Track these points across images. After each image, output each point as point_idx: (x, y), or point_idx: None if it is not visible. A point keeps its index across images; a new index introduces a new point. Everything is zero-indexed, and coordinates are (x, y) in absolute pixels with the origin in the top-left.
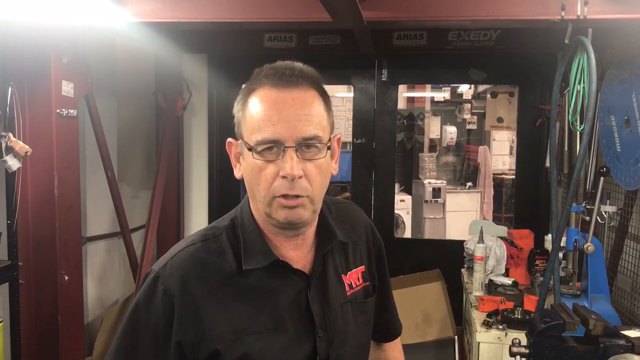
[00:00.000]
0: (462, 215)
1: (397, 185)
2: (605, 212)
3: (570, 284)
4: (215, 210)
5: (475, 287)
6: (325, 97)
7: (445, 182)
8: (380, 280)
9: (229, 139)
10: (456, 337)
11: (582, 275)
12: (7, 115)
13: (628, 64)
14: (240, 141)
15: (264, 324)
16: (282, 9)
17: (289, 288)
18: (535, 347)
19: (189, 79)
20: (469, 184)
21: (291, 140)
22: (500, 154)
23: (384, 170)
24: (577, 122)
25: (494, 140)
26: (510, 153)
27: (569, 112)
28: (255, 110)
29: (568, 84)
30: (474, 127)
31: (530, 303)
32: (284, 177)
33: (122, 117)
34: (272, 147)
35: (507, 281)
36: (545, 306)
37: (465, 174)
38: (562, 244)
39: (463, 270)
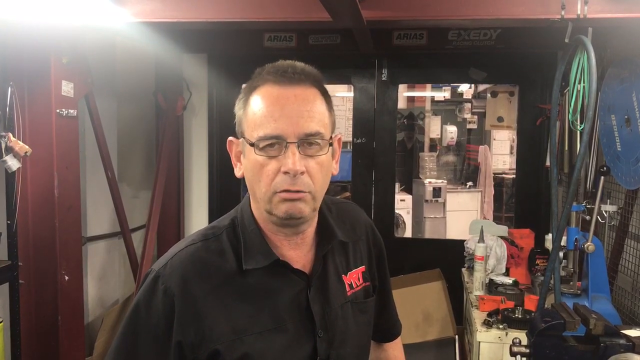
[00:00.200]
0: (462, 215)
1: (397, 185)
2: (606, 211)
3: (571, 283)
4: (215, 210)
5: (475, 287)
6: (327, 97)
7: (445, 181)
8: (380, 280)
9: (230, 138)
10: (457, 336)
11: (583, 275)
12: (6, 115)
13: (628, 63)
14: (241, 139)
15: (264, 324)
16: (282, 9)
17: (289, 288)
18: (536, 346)
19: (189, 78)
20: (470, 183)
21: (293, 136)
22: (501, 154)
23: (384, 170)
24: (577, 122)
25: (494, 139)
26: (511, 152)
27: (569, 111)
28: (257, 107)
29: (568, 83)
30: (474, 126)
31: (530, 302)
32: (285, 172)
33: (122, 117)
34: (274, 144)
35: (508, 281)
36: (546, 306)
37: (466, 173)
38: (563, 243)
39: (463, 269)
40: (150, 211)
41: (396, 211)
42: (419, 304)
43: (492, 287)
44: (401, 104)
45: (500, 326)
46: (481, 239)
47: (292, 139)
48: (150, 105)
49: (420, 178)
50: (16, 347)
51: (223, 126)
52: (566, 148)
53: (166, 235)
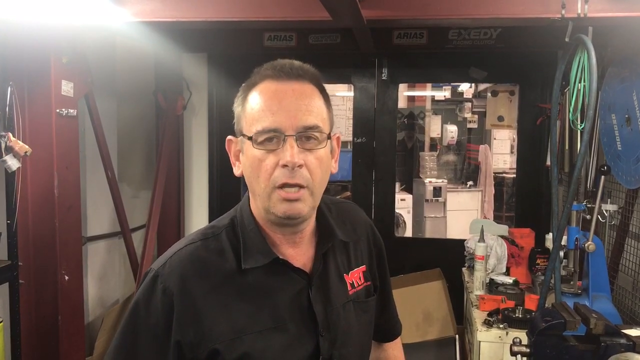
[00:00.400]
0: (462, 214)
1: (397, 184)
2: (606, 210)
3: (571, 282)
4: (215, 209)
5: (476, 286)
6: (325, 94)
7: (446, 181)
8: (380, 280)
9: (229, 137)
10: (457, 336)
11: (583, 274)
12: (6, 115)
13: (629, 62)
14: (240, 137)
15: (264, 323)
16: (282, 8)
17: (289, 287)
18: (536, 346)
19: (188, 78)
20: (470, 182)
21: (291, 129)
22: (501, 153)
23: (384, 169)
24: (577, 121)
25: (495, 139)
26: (511, 152)
27: (569, 110)
28: (255, 102)
29: (568, 83)
30: (475, 125)
31: (531, 302)
32: (284, 165)
33: (122, 116)
34: (272, 138)
35: (508, 280)
36: (546, 305)
37: (466, 172)
38: (563, 242)
39: (464, 269)
40: (150, 211)
41: (396, 211)
42: (419, 304)
43: (492, 286)
44: (401, 104)
45: (501, 326)
46: (481, 239)
47: (290, 132)
48: (150, 104)
49: (421, 177)
50: (16, 347)
51: (223, 126)
52: (567, 147)
53: (166, 235)
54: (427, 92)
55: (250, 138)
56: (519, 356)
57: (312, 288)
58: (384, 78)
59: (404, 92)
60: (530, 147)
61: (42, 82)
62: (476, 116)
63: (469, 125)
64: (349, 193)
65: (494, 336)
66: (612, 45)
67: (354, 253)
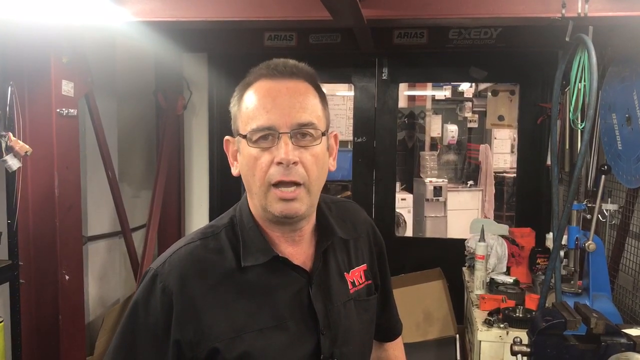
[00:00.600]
0: (463, 214)
1: (398, 184)
2: (607, 210)
3: (572, 282)
4: (216, 209)
5: (476, 286)
6: (320, 92)
7: (446, 180)
8: (381, 279)
9: (227, 137)
10: (457, 335)
11: (584, 274)
12: (7, 114)
13: (629, 61)
14: (237, 137)
15: (264, 321)
16: (282, 8)
17: (289, 285)
18: (537, 345)
19: (189, 78)
20: (470, 182)
21: (285, 126)
22: (502, 152)
23: (384, 169)
24: (578, 120)
25: (495, 138)
26: (512, 151)
27: (570, 110)
28: (250, 101)
29: (569, 82)
30: (475, 125)
31: (531, 301)
32: (279, 163)
33: (123, 116)
34: (267, 136)
35: (509, 280)
36: (547, 305)
37: (467, 172)
38: (564, 242)
39: (464, 268)
40: (150, 210)
41: (397, 210)
42: (419, 303)
43: (492, 286)
44: (402, 103)
45: (501, 325)
46: (482, 238)
47: (284, 129)
48: (151, 104)
49: (421, 177)
50: (17, 346)
51: (223, 125)
52: (567, 147)
53: (167, 234)
54: (428, 91)
55: (245, 137)
56: (519, 356)
57: (312, 286)
58: (384, 78)
59: (404, 92)
60: (530, 146)
61: (42, 82)
62: (476, 116)
63: (470, 125)
64: (349, 193)
65: (495, 336)
66: (613, 44)
67: (354, 252)
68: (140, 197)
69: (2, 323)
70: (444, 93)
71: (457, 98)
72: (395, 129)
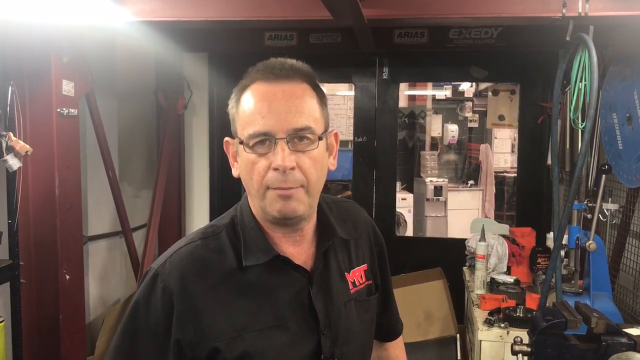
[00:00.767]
0: (463, 214)
1: (398, 184)
2: (607, 209)
3: (572, 282)
4: (216, 209)
5: (477, 286)
6: (318, 92)
7: (446, 180)
8: (381, 279)
9: (226, 138)
10: (458, 335)
11: (584, 273)
12: (7, 114)
13: (630, 61)
14: (236, 139)
15: (264, 321)
16: (283, 7)
17: (290, 285)
18: (537, 345)
19: (189, 77)
20: (471, 182)
21: (282, 132)
22: (502, 152)
23: (385, 169)
24: (578, 120)
25: (496, 138)
26: (512, 151)
27: (570, 109)
28: (247, 105)
29: (569, 82)
30: (476, 125)
31: (532, 301)
32: (275, 169)
33: (123, 116)
34: (264, 141)
35: (509, 279)
36: (547, 304)
37: (467, 172)
38: (564, 241)
39: (465, 268)
40: (151, 210)
41: (397, 210)
42: (420, 303)
43: (493, 285)
44: (402, 103)
45: (502, 325)
46: (482, 238)
47: (280, 134)
48: (151, 104)
49: (422, 177)
50: (17, 346)
51: (224, 125)
52: (567, 146)
53: (167, 234)
54: (428, 91)
55: (242, 142)
56: (520, 355)
57: (313, 286)
58: (384, 77)
59: (404, 92)
60: (531, 146)
61: (42, 82)
62: (477, 115)
63: (470, 125)
64: (349, 192)
65: (495, 335)
66: (613, 44)
67: (355, 252)
68: (140, 197)
69: (2, 323)
70: (445, 93)
71: (458, 98)
72: (396, 128)
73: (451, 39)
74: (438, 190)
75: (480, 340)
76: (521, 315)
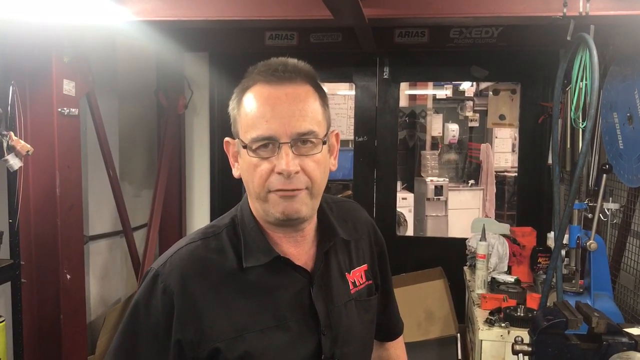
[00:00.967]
0: (464, 213)
1: (399, 183)
2: (608, 209)
3: (573, 281)
4: (217, 208)
5: (477, 285)
6: (320, 92)
7: (447, 179)
8: (382, 279)
9: (227, 139)
10: (459, 335)
11: (585, 273)
12: (8, 114)
13: (631, 60)
14: (237, 140)
15: (265, 321)
16: (283, 7)
17: (290, 285)
18: (538, 344)
19: (190, 77)
20: (471, 181)
21: (285, 136)
22: (503, 152)
23: (385, 168)
24: (579, 119)
25: (496, 137)
26: (513, 150)
27: (571, 109)
28: (249, 107)
29: (570, 81)
30: (476, 124)
31: (532, 301)
32: (279, 173)
33: (124, 115)
34: (267, 144)
35: (510, 279)
36: (548, 304)
37: (468, 171)
38: (565, 241)
39: (465, 268)
40: (152, 210)
41: (398, 209)
42: (421, 303)
43: (494, 285)
44: (403, 102)
45: (502, 324)
46: (483, 237)
47: (284, 139)
48: (152, 104)
49: (422, 176)
50: (18, 345)
51: (224, 125)
52: (568, 146)
53: (168, 234)
54: (429, 90)
55: (245, 146)
56: (520, 355)
57: (313, 286)
58: (385, 77)
59: (405, 91)
60: (531, 145)
61: (43, 82)
62: (477, 115)
63: (471, 124)
64: (350, 192)
65: (496, 335)
66: (614, 43)
67: (355, 252)
68: (141, 197)
69: (3, 322)
70: (445, 92)
71: (458, 97)
72: (397, 128)
73: (452, 39)
74: (439, 190)
75: (481, 340)
76: (522, 314)
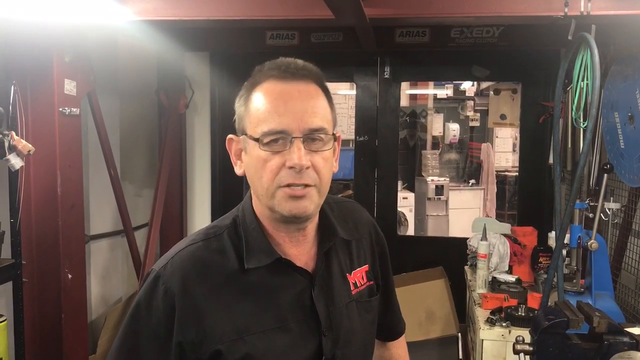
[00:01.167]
0: (465, 213)
1: (399, 183)
2: (609, 209)
3: (574, 281)
4: (218, 208)
5: (478, 285)
6: (328, 94)
7: (448, 179)
8: (383, 279)
9: (230, 136)
10: (460, 334)
11: (586, 273)
12: (9, 113)
13: (632, 60)
14: (242, 137)
15: (266, 323)
16: (284, 6)
17: (291, 286)
18: (539, 344)
19: (191, 77)
20: (472, 181)
21: (298, 131)
22: (503, 151)
23: (386, 168)
24: (580, 119)
25: (497, 137)
26: (513, 150)
27: (572, 108)
28: (260, 102)
29: (571, 81)
30: (477, 124)
31: (533, 300)
32: (291, 167)
33: (125, 115)
34: (278, 139)
35: (511, 278)
36: (549, 303)
37: (468, 171)
38: (566, 241)
39: (466, 267)
40: (153, 209)
41: (399, 209)
42: (421, 302)
43: (495, 285)
44: (403, 102)
45: (504, 324)
46: (484, 237)
47: (297, 133)
48: (153, 103)
49: (423, 176)
50: (20, 345)
51: (225, 124)
52: (569, 145)
53: (169, 233)
54: (430, 90)
55: (256, 139)
56: (521, 354)
57: (314, 287)
58: (386, 76)
59: (406, 91)
60: (532, 145)
61: (44, 81)
62: (478, 114)
63: (471, 124)
64: (351, 191)
65: (497, 334)
66: (615, 43)
67: (356, 252)
68: (142, 196)
69: (5, 322)
70: (446, 92)
71: (459, 97)
72: (397, 127)
73: (453, 38)
74: (439, 190)
75: (482, 340)
76: (523, 314)
